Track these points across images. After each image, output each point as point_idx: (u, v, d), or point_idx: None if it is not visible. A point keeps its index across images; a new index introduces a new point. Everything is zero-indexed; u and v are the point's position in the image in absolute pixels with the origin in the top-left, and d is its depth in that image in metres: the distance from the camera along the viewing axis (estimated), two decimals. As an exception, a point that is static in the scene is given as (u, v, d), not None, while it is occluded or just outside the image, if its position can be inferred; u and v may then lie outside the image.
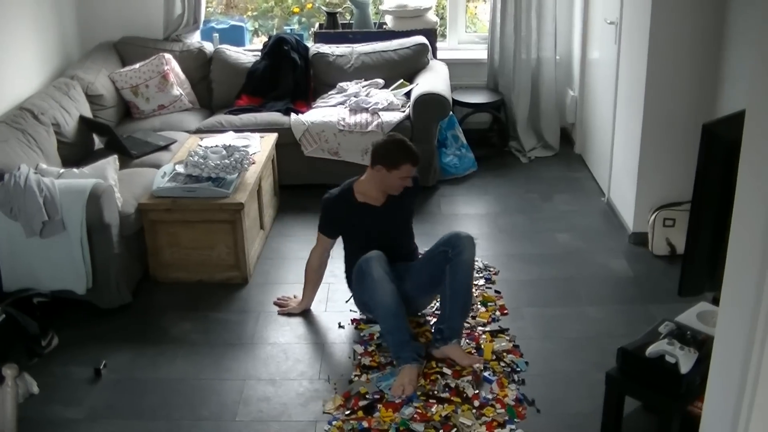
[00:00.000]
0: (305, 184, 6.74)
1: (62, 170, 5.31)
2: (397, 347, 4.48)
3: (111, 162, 5.42)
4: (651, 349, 3.40)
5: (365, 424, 4.15)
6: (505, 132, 7.60)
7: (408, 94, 6.86)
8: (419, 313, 5.02)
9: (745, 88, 4.59)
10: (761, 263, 2.28)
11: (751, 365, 2.41)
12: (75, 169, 5.34)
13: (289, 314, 5.12)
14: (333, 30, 7.74)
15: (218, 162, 5.44)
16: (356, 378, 4.52)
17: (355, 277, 4.80)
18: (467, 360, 4.53)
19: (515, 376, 4.49)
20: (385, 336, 4.61)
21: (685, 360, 3.32)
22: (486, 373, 4.49)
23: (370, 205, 4.86)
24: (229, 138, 6.14)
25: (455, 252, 4.58)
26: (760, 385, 2.41)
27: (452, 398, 4.32)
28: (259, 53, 7.37)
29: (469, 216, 6.45)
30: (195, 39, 7.60)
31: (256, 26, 8.89)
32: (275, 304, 5.23)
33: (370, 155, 4.83)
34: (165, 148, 6.24)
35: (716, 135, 3.14)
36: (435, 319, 4.80)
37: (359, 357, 4.70)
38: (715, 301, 3.48)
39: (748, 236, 2.38)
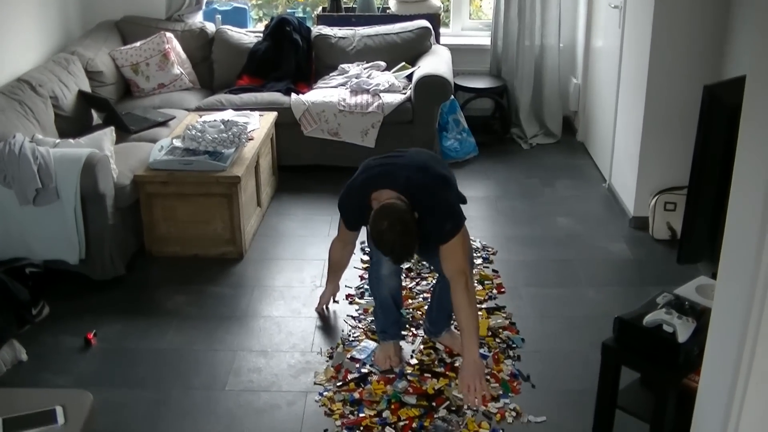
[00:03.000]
0: (304, 165, 6.69)
1: (58, 140, 5.26)
2: (385, 325, 4.43)
3: (107, 133, 5.37)
4: (648, 318, 3.34)
5: (356, 395, 4.10)
6: (507, 118, 7.55)
7: (410, 77, 6.82)
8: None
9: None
10: (760, 229, 2.23)
11: (748, 334, 2.37)
12: (71, 140, 5.30)
13: (324, 303, 4.86)
14: (336, 13, 7.69)
15: (216, 136, 5.39)
16: (339, 347, 4.53)
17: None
18: (457, 346, 4.44)
19: (511, 352, 4.44)
20: (376, 314, 4.52)
21: (683, 329, 3.26)
22: (481, 350, 4.43)
23: None
24: (228, 115, 6.10)
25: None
26: (758, 354, 2.37)
27: (447, 373, 4.27)
28: (261, 34, 7.31)
29: (468, 199, 6.33)
30: (197, 19, 7.54)
31: (261, 15, 8.86)
32: (318, 311, 4.86)
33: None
34: (163, 124, 6.19)
35: (717, 97, 3.08)
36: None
37: (350, 330, 4.67)
38: (715, 277, 3.43)
39: (748, 203, 2.33)
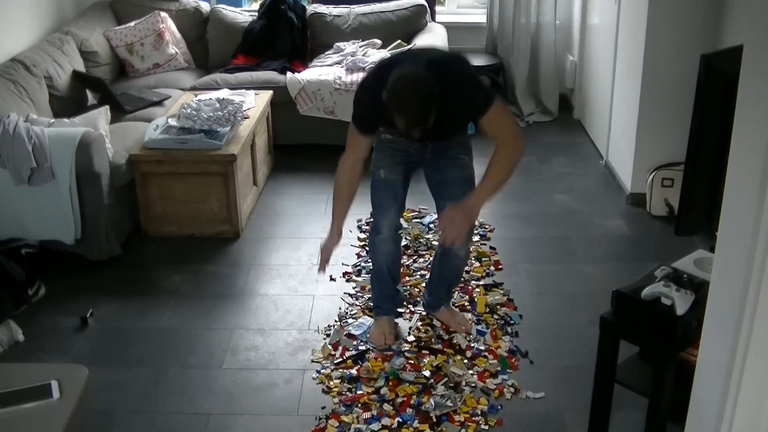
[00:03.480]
0: (300, 144, 6.68)
1: (52, 120, 5.24)
2: (379, 299, 4.41)
3: (102, 112, 5.34)
4: (646, 291, 3.32)
5: (354, 372, 4.09)
6: (503, 96, 7.51)
7: (405, 55, 6.77)
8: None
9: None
10: (758, 200, 2.22)
11: (746, 306, 2.35)
12: (66, 119, 5.27)
13: (328, 256, 4.19)
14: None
15: (211, 114, 5.37)
16: (336, 325, 4.52)
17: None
18: (455, 323, 4.45)
19: (509, 329, 4.44)
20: (372, 284, 4.49)
21: (681, 302, 3.24)
22: (479, 326, 4.42)
23: None
24: (224, 94, 6.07)
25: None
26: (756, 326, 2.35)
27: (445, 349, 4.26)
28: (256, 13, 7.28)
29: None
30: (191, -1, 7.50)
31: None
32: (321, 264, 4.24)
33: None
34: (158, 103, 6.16)
35: (714, 66, 3.06)
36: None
37: (348, 308, 4.66)
38: (713, 250, 3.41)
39: (746, 173, 2.31)
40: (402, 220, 4.30)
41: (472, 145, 4.21)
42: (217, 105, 5.49)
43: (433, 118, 3.62)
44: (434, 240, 5.21)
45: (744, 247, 2.32)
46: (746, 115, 2.32)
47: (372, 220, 4.31)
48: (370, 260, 4.56)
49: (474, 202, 3.88)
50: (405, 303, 4.63)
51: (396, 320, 4.46)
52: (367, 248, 4.78)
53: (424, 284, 4.70)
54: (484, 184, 3.88)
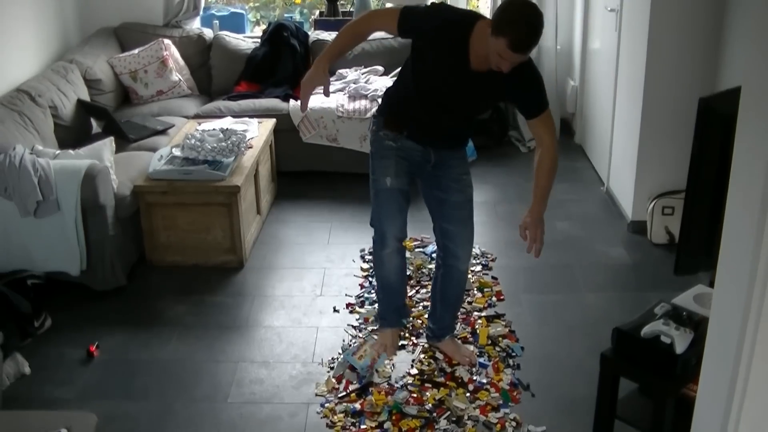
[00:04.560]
0: (303, 170, 6.72)
1: (58, 151, 5.28)
2: (386, 310, 4.47)
3: (107, 143, 5.39)
4: (646, 329, 3.37)
5: (357, 406, 4.12)
6: (504, 121, 7.56)
7: (408, 82, 6.82)
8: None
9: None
10: (757, 238, 2.25)
11: (745, 345, 2.38)
12: (71, 151, 5.31)
13: (308, 93, 3.94)
14: (333, 17, 7.70)
15: (215, 145, 5.41)
16: (340, 357, 4.53)
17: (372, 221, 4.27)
18: (459, 355, 4.47)
19: (510, 361, 4.46)
20: (378, 297, 4.54)
21: (680, 340, 3.28)
22: (481, 359, 4.45)
23: (467, 62, 3.70)
24: (227, 123, 6.13)
25: (452, 260, 4.27)
26: (754, 365, 2.38)
27: (447, 382, 4.29)
28: (259, 40, 7.33)
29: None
30: (195, 25, 7.57)
31: (258, 17, 8.87)
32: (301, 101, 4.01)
33: None
34: (162, 132, 6.21)
35: (713, 109, 3.11)
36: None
37: (351, 340, 4.68)
38: (713, 285, 3.45)
39: (744, 213, 2.35)
40: (407, 251, 4.34)
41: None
42: (221, 135, 5.53)
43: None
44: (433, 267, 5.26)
45: (742, 286, 2.35)
46: (744, 156, 2.35)
47: (376, 232, 4.26)
48: (375, 275, 4.55)
49: (540, 212, 4.01)
50: (407, 335, 4.66)
51: (397, 352, 4.50)
52: (372, 263, 4.78)
53: (426, 315, 4.71)
54: (538, 195, 4.01)
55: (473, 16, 3.70)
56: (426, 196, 4.28)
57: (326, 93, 3.99)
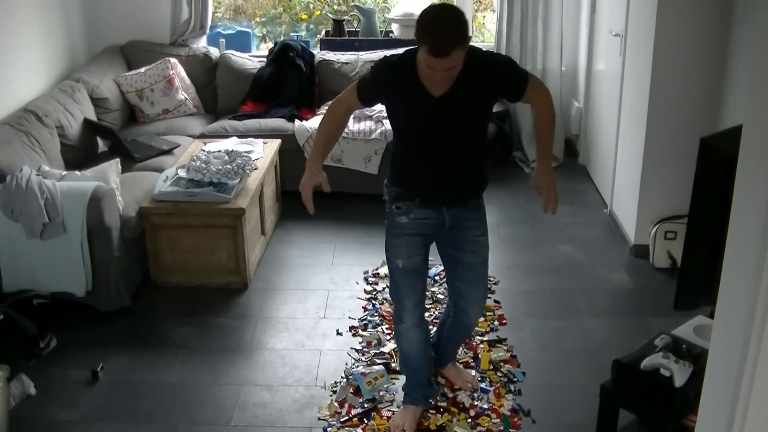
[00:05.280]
0: (308, 190, 6.74)
1: (64, 173, 5.32)
2: (410, 386, 4.30)
3: (113, 165, 5.43)
4: (646, 362, 3.40)
5: (360, 431, 4.15)
6: (509, 142, 7.59)
7: (412, 103, 6.85)
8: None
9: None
10: (756, 277, 2.27)
11: (743, 380, 2.40)
12: (77, 172, 5.35)
13: (309, 195, 3.90)
14: (339, 37, 7.74)
15: (220, 167, 5.45)
16: (343, 381, 4.56)
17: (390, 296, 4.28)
18: (461, 381, 4.48)
19: (512, 386, 4.49)
20: (401, 370, 4.41)
21: (679, 373, 3.31)
22: (483, 384, 4.48)
23: (426, 92, 3.58)
24: (232, 143, 6.17)
25: (462, 316, 4.18)
26: (753, 400, 2.41)
27: (450, 408, 4.31)
28: (265, 59, 7.38)
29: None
30: (201, 44, 7.62)
31: (264, 32, 8.91)
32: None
33: None
34: (168, 152, 6.25)
35: (714, 148, 3.14)
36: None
37: (354, 363, 4.71)
38: (713, 316, 3.47)
39: (744, 251, 2.37)
40: None
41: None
42: (227, 158, 5.57)
43: (458, 66, 3.44)
44: (439, 294, 5.28)
45: (741, 322, 2.37)
46: (744, 195, 2.38)
47: (393, 306, 4.20)
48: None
49: (549, 167, 3.96)
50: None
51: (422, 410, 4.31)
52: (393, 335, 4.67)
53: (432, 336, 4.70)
54: (547, 147, 3.94)
55: (413, 49, 3.55)
56: (441, 252, 4.16)
57: (326, 188, 3.92)
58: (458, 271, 4.05)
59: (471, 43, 3.46)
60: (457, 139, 3.76)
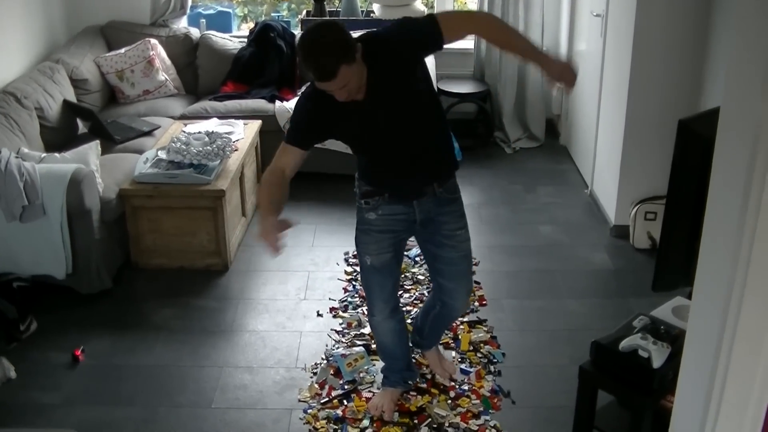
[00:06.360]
0: (289, 172, 6.72)
1: (44, 155, 5.29)
2: (389, 370, 4.29)
3: (93, 147, 5.40)
4: (624, 344, 3.41)
5: (340, 412, 4.17)
6: (490, 122, 7.59)
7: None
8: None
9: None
10: (733, 258, 2.29)
11: (720, 360, 2.43)
12: (57, 154, 5.33)
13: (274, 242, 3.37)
14: (320, 17, 7.71)
15: (200, 149, 5.44)
16: (323, 362, 4.58)
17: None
18: (440, 369, 4.46)
19: (492, 367, 4.51)
20: (380, 357, 4.36)
21: (657, 355, 3.33)
22: (463, 365, 4.50)
23: (347, 102, 3.41)
24: (213, 124, 6.15)
25: (448, 310, 4.14)
26: (729, 381, 2.43)
27: (430, 389, 4.33)
28: (246, 40, 7.34)
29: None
30: (182, 24, 7.56)
31: (245, 12, 8.87)
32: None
33: None
34: (148, 133, 6.22)
35: (692, 131, 3.15)
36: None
37: (335, 344, 4.72)
38: (691, 297, 3.49)
39: (721, 233, 2.39)
40: None
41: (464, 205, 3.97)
42: (207, 139, 5.55)
43: (356, 76, 3.29)
44: (419, 275, 5.29)
45: (718, 303, 2.39)
46: (721, 175, 2.39)
47: (366, 300, 4.17)
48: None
49: (550, 59, 3.57)
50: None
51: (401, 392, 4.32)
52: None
53: (410, 320, 4.70)
54: (532, 48, 3.64)
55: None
56: (421, 249, 4.14)
57: (290, 226, 3.41)
58: (438, 267, 4.00)
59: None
60: (408, 131, 3.60)
